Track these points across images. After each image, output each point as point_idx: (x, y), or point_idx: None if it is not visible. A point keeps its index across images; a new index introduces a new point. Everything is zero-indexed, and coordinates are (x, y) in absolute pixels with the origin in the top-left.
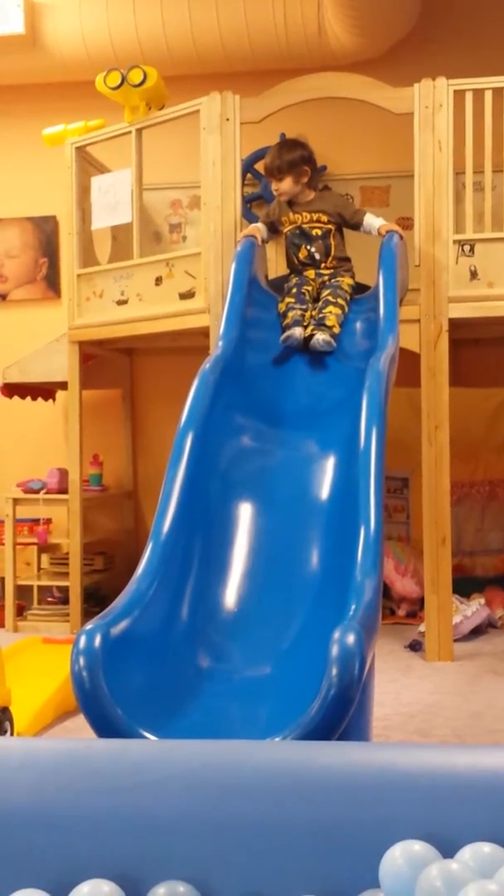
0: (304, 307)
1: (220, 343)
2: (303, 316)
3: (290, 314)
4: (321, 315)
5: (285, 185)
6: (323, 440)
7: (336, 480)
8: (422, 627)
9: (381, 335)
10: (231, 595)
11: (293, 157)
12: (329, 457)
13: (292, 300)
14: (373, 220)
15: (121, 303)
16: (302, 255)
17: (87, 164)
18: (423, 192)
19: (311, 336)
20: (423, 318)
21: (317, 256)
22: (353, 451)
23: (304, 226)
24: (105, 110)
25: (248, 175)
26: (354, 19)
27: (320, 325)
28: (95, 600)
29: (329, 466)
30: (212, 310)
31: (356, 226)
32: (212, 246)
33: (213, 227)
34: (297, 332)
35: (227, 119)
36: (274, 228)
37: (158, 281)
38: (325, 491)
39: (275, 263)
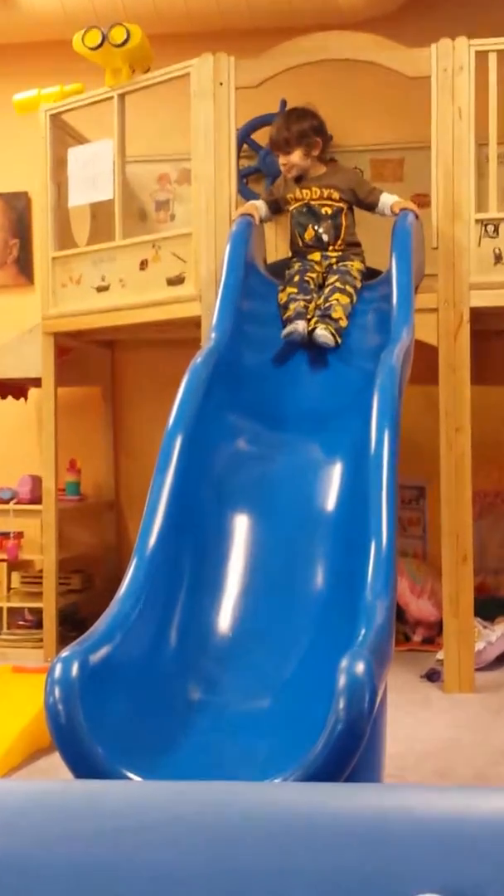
0: (307, 297)
1: (213, 335)
2: (306, 308)
3: (293, 306)
4: (327, 304)
5: (295, 159)
6: (328, 444)
7: (343, 490)
8: (440, 655)
9: (394, 326)
10: (225, 618)
11: (303, 127)
12: (335, 463)
13: (294, 290)
14: (387, 199)
15: (101, 289)
16: (308, 235)
17: (64, 134)
18: (441, 165)
19: (314, 329)
20: (441, 307)
21: (324, 238)
22: (362, 456)
23: (313, 203)
24: (84, 73)
25: (245, 146)
26: None
27: (325, 317)
28: (72, 624)
29: (335, 474)
30: (203, 297)
31: (371, 206)
32: (203, 225)
33: (204, 205)
34: (301, 326)
35: (221, 83)
36: (276, 207)
37: (143, 265)
38: (331, 501)
39: (274, 246)
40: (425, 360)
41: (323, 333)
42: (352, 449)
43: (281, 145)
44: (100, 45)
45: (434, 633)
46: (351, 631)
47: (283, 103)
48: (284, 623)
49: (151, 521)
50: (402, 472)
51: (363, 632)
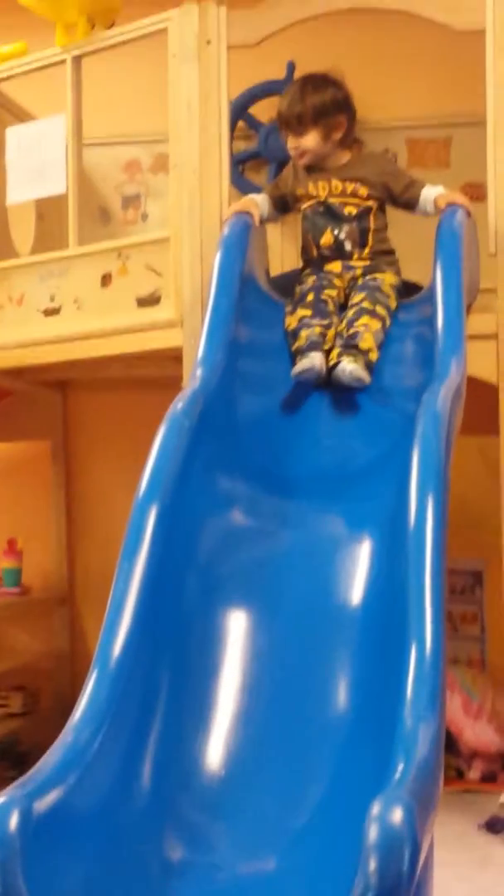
0: (325, 322)
1: (199, 372)
2: (323, 336)
3: (305, 334)
4: (352, 331)
5: (309, 142)
6: (353, 516)
7: (373, 577)
8: None
9: (440, 359)
10: (216, 750)
11: (322, 100)
12: (362, 541)
13: (308, 312)
14: (429, 193)
15: (50, 312)
16: (325, 241)
17: (1, 109)
18: (500, 145)
19: (337, 364)
20: (501, 333)
21: (347, 246)
22: (398, 532)
23: (333, 200)
24: (28, 29)
25: (241, 123)
26: None
27: (350, 347)
28: (11, 759)
29: (362, 556)
30: (186, 323)
31: (409, 204)
32: (186, 228)
33: (187, 201)
34: (317, 360)
35: (209, 41)
36: (283, 205)
37: (106, 280)
38: (356, 593)
39: (280, 255)
40: (480, 404)
41: (350, 368)
42: (384, 522)
43: (292, 124)
44: None
45: (496, 768)
46: (384, 766)
47: (291, 68)
48: (295, 757)
49: (117, 621)
50: (452, 551)
51: (401, 767)
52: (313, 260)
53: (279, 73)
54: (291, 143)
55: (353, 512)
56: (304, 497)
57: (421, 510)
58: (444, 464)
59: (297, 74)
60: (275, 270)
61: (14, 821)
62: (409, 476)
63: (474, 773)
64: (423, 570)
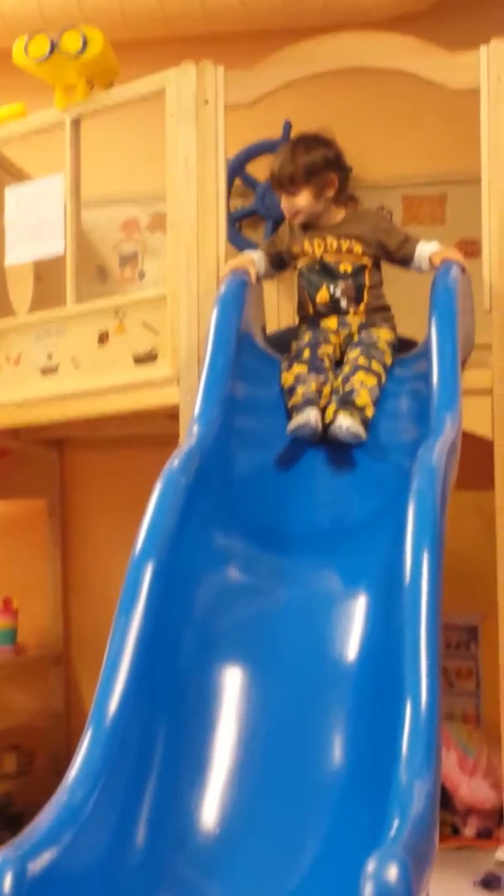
0: (321, 378)
1: (196, 429)
2: (319, 392)
3: (301, 390)
4: (348, 388)
5: (302, 202)
6: (348, 572)
7: (369, 633)
8: (501, 854)
9: (436, 414)
10: (210, 807)
11: (313, 159)
12: (358, 596)
13: (303, 369)
14: (424, 249)
15: (47, 371)
16: (321, 298)
17: (0, 170)
18: (494, 202)
19: (333, 420)
20: (496, 388)
21: (342, 303)
22: (393, 587)
23: (328, 258)
24: (27, 91)
25: (237, 181)
26: None
27: (346, 403)
28: (5, 820)
29: (358, 611)
30: (183, 380)
31: (405, 261)
32: (183, 286)
33: (184, 259)
34: (312, 417)
35: (206, 101)
36: (280, 262)
37: (103, 338)
38: (352, 649)
39: (276, 311)
40: (475, 458)
41: (346, 425)
42: (379, 577)
43: (284, 184)
44: (48, 56)
45: (492, 825)
46: (380, 822)
47: (288, 127)
48: (291, 814)
49: (112, 678)
50: (447, 607)
51: (396, 823)
52: (309, 316)
53: (276, 132)
54: (285, 203)
55: (349, 567)
56: (301, 553)
57: (416, 565)
58: (439, 518)
59: (294, 133)
60: (271, 327)
61: (8, 882)
62: (404, 531)
63: (470, 830)
64: (419, 625)
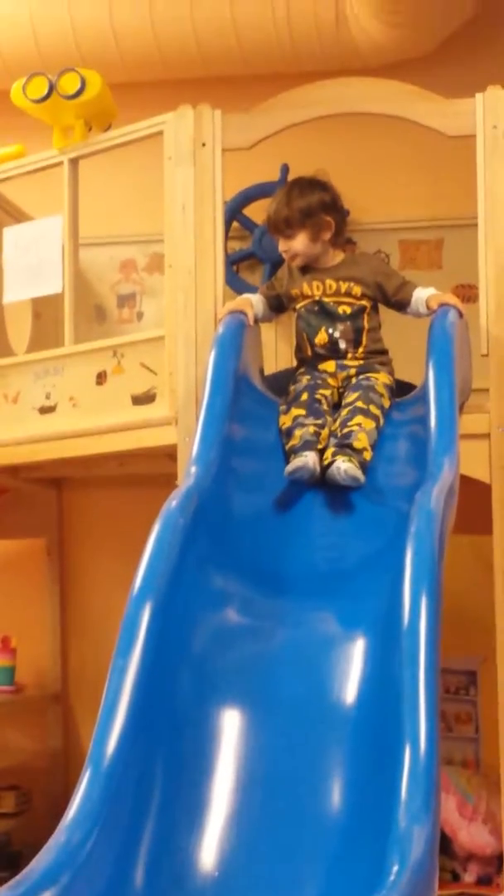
0: (319, 421)
1: (194, 470)
2: (317, 435)
3: (299, 433)
4: (346, 431)
5: (298, 245)
6: (347, 615)
7: (367, 676)
8: None
9: (433, 458)
10: (208, 849)
11: (308, 202)
12: (356, 640)
13: (302, 412)
14: (421, 294)
15: (45, 410)
16: (320, 340)
17: None
18: (491, 247)
19: (332, 463)
20: (494, 432)
21: (341, 345)
22: (391, 630)
23: (327, 300)
24: (25, 132)
25: (235, 224)
26: (389, 3)
27: (344, 446)
28: (3, 860)
29: (356, 654)
30: (181, 421)
31: (402, 304)
32: (181, 327)
33: (182, 300)
34: (310, 460)
35: (204, 144)
36: (278, 305)
37: (101, 378)
38: (350, 692)
39: (274, 353)
40: (473, 502)
41: (345, 468)
42: (378, 620)
43: (280, 227)
44: (46, 97)
45: (492, 871)
46: (378, 867)
47: (285, 170)
48: (289, 857)
49: (110, 719)
50: (445, 650)
51: (395, 868)
52: (308, 359)
53: (273, 175)
54: (282, 246)
55: (347, 610)
56: (298, 595)
57: (415, 609)
58: (437, 562)
59: (292, 176)
60: (269, 369)
61: None
62: (402, 574)
63: (470, 876)
64: (417, 669)
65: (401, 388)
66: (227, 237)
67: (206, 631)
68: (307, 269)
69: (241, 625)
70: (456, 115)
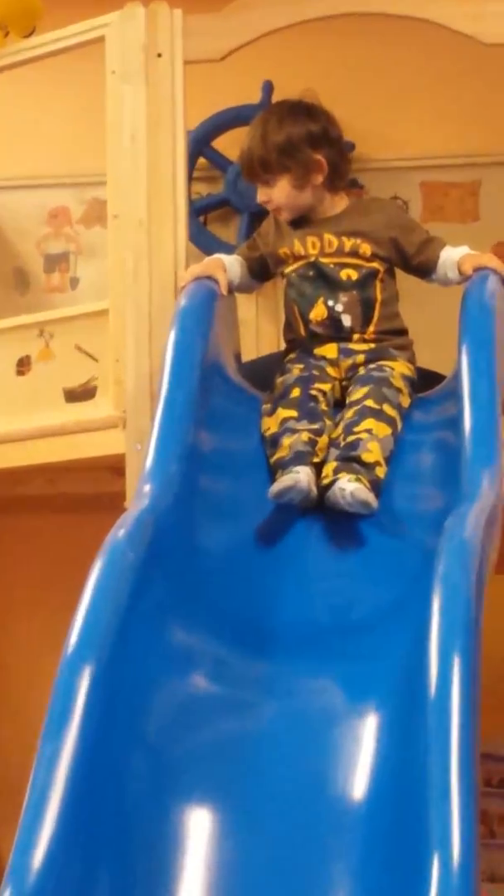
0: (315, 426)
1: (148, 488)
2: (313, 444)
3: (288, 442)
4: (351, 439)
5: (278, 194)
6: (355, 682)
7: (382, 763)
8: None
9: (469, 473)
10: None
11: (290, 136)
12: (367, 715)
13: (292, 413)
14: (451, 254)
15: None
16: (316, 315)
17: None
18: None
19: (333, 483)
20: None
21: (345, 322)
22: (414, 703)
23: (326, 261)
24: None
25: (202, 161)
26: None
27: (350, 460)
28: None
29: (367, 735)
30: (129, 423)
31: (425, 268)
32: (130, 298)
33: (131, 262)
34: (303, 477)
35: (160, 54)
36: (261, 269)
37: (23, 366)
38: (360, 785)
39: (254, 333)
40: None
41: (350, 489)
42: (396, 690)
43: (255, 171)
44: None
45: None
46: None
47: (268, 90)
48: None
49: (35, 826)
50: (485, 730)
51: None
52: (300, 341)
53: (253, 96)
54: (261, 196)
55: (355, 676)
56: (290, 656)
57: (445, 674)
58: (474, 613)
59: (277, 97)
60: (249, 355)
61: None
62: (428, 629)
63: None
64: (449, 755)
65: (424, 380)
66: (191, 178)
67: (165, 704)
68: (300, 220)
69: (213, 695)
70: (495, 17)
